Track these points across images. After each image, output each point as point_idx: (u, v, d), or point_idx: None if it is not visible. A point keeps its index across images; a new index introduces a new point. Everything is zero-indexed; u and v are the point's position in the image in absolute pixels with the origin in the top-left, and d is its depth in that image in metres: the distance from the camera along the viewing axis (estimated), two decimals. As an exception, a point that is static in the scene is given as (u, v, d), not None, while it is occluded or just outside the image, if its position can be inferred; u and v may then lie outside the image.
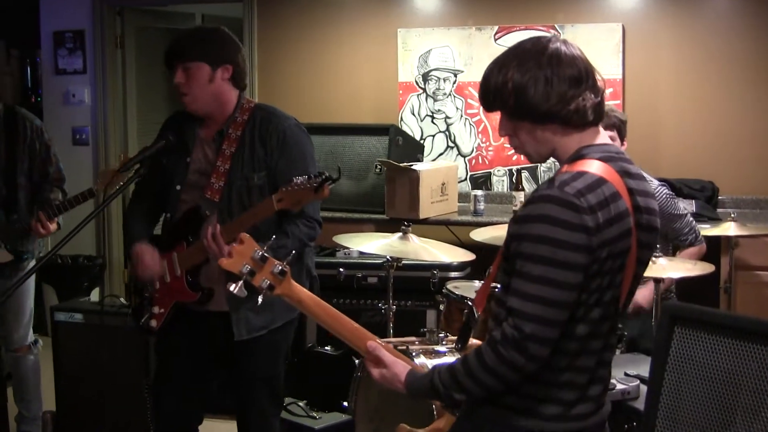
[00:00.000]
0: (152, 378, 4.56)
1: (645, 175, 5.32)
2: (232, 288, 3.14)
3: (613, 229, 2.67)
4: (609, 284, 2.72)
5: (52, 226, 5.64)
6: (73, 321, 6.38)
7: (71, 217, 8.36)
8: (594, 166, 2.72)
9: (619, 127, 5.42)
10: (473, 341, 3.03)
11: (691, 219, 5.61)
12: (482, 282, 3.15)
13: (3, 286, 5.75)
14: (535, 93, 2.75)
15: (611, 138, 5.35)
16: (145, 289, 4.48)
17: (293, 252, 4.28)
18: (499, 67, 2.84)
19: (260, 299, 3.18)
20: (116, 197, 4.53)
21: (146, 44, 9.29)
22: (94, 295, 8.61)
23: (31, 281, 6.18)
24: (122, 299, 6.58)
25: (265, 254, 3.12)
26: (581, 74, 2.77)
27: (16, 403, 6.13)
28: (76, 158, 9.18)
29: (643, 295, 5.39)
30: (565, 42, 2.84)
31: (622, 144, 5.45)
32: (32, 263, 5.92)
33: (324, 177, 3.88)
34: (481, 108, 2.96)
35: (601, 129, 2.88)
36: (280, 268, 3.12)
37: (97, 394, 6.15)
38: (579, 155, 2.78)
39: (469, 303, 5.22)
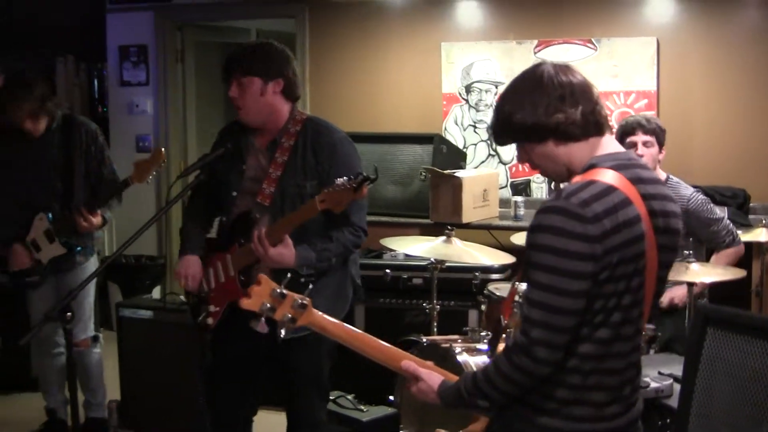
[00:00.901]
0: (208, 371, 4.55)
1: (679, 181, 5.30)
2: (254, 326, 3.15)
3: (621, 236, 2.63)
4: (625, 289, 2.68)
5: (96, 220, 5.65)
6: (137, 317, 6.44)
7: (134, 218, 8.40)
8: (604, 175, 2.71)
9: (658, 134, 5.41)
10: (502, 346, 2.99)
11: (728, 222, 5.55)
12: (510, 288, 3.13)
13: (62, 280, 5.83)
14: (522, 114, 2.80)
15: (647, 143, 5.36)
16: (201, 289, 4.49)
17: (336, 256, 4.30)
18: (497, 104, 2.93)
19: (282, 332, 3.18)
20: (177, 202, 4.51)
21: (204, 58, 9.32)
22: (156, 293, 8.66)
23: (93, 280, 6.07)
24: (182, 297, 6.59)
25: (284, 291, 3.11)
26: (564, 92, 2.77)
27: (83, 391, 6.14)
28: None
29: (679, 294, 5.35)
30: (555, 66, 2.86)
31: (660, 151, 5.41)
32: (91, 259, 5.97)
33: (362, 177, 3.88)
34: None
35: (610, 137, 2.87)
36: (300, 301, 3.11)
37: (158, 384, 6.21)
38: (590, 165, 2.78)
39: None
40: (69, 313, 3.80)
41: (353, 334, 3.16)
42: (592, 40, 7.33)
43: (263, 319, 3.15)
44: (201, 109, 9.32)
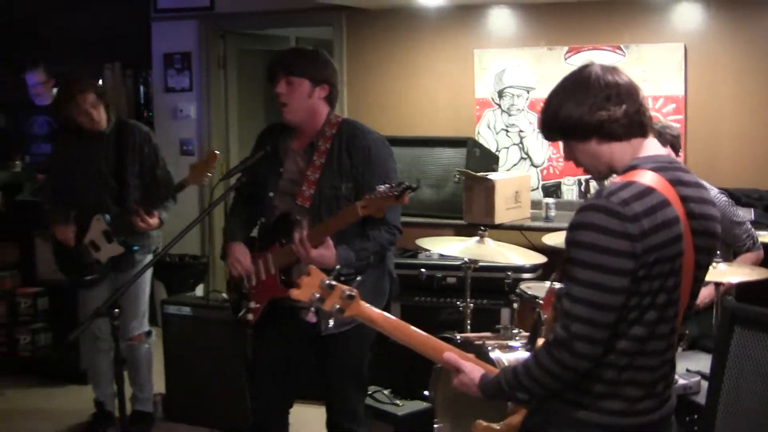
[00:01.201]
0: (249, 366, 4.58)
1: (704, 183, 5.27)
2: (303, 316, 3.17)
3: (659, 236, 2.64)
4: (660, 288, 2.69)
5: (153, 221, 5.78)
6: (181, 313, 6.52)
7: (178, 219, 8.45)
8: (644, 176, 2.71)
9: (672, 143, 5.40)
10: (541, 340, 2.99)
11: (749, 226, 5.53)
12: (550, 284, 3.13)
13: (119, 279, 5.90)
14: (567, 111, 2.81)
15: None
16: (242, 286, 4.51)
17: (373, 254, 4.32)
18: (546, 100, 2.93)
19: (331, 322, 3.25)
20: (219, 203, 4.54)
21: (246, 65, 9.36)
22: (199, 291, 8.70)
23: (147, 277, 6.28)
24: (224, 294, 6.63)
25: (332, 282, 3.13)
26: (610, 93, 2.78)
27: (131, 385, 6.20)
28: (183, 167, 9.22)
29: (703, 294, 5.32)
30: (603, 67, 2.86)
31: (677, 156, 5.40)
32: (148, 257, 6.00)
33: (405, 186, 3.89)
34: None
35: (653, 140, 2.87)
36: (348, 293, 3.13)
37: (202, 378, 6.28)
38: (631, 166, 2.78)
39: (540, 303, 5.19)
40: (117, 310, 3.81)
41: (397, 325, 3.17)
42: (621, 46, 7.31)
43: (312, 309, 3.17)
44: (242, 113, 9.35)
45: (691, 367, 4.37)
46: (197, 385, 6.32)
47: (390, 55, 8.23)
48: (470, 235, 5.67)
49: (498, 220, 6.80)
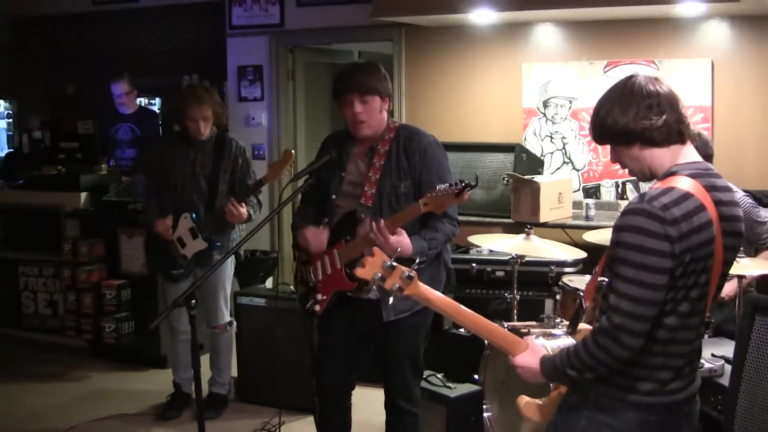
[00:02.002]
0: (315, 352, 4.65)
1: (731, 185, 5.30)
2: (365, 293, 3.19)
3: (695, 238, 2.69)
4: (694, 283, 2.75)
5: (243, 211, 5.84)
6: (252, 304, 6.59)
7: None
8: (682, 182, 2.75)
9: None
10: (582, 326, 3.06)
11: None
12: (591, 277, 3.19)
13: (202, 273, 5.87)
14: (613, 118, 2.85)
15: None
16: (310, 279, 4.55)
17: (442, 244, 4.37)
18: (595, 108, 2.96)
19: (391, 300, 3.24)
20: (288, 204, 4.61)
21: (313, 76, 9.40)
22: (269, 283, 8.77)
23: (229, 269, 6.45)
24: (291, 287, 6.72)
25: (393, 263, 3.16)
26: (652, 102, 2.82)
27: (211, 369, 6.36)
28: (255, 169, 9.35)
29: (727, 289, 5.35)
30: (648, 78, 2.90)
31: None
32: (226, 262, 6.19)
33: (465, 184, 3.92)
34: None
35: (690, 147, 2.90)
36: (407, 273, 3.15)
37: (271, 364, 6.34)
38: (671, 172, 2.83)
39: (580, 294, 5.23)
40: (194, 301, 3.85)
41: (452, 305, 3.20)
42: (655, 60, 7.33)
43: (374, 287, 3.19)
44: (309, 121, 9.40)
45: (716, 353, 4.39)
46: (266, 370, 6.40)
47: (445, 68, 8.29)
48: (517, 232, 5.72)
49: (543, 219, 6.84)
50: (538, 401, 3.12)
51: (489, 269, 6.46)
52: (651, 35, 7.37)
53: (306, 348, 4.76)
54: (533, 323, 5.19)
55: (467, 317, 3.18)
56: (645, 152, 2.86)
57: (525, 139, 7.89)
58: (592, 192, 7.67)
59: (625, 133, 2.85)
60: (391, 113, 4.52)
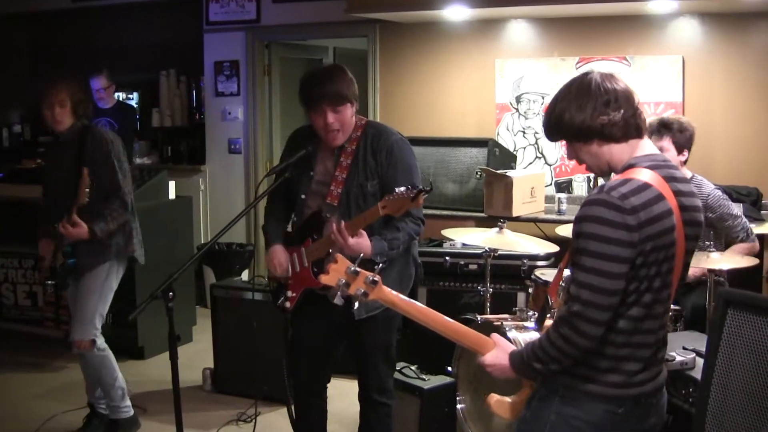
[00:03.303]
0: (289, 346, 4.60)
1: (702, 179, 5.28)
2: (331, 299, 3.18)
3: (655, 227, 2.67)
4: (656, 273, 2.72)
5: (76, 231, 5.14)
6: (228, 296, 6.52)
7: (226, 211, 8.50)
8: (641, 174, 2.74)
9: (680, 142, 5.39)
10: (549, 321, 3.03)
11: (744, 220, 5.50)
12: (557, 273, 3.16)
13: (77, 285, 5.43)
14: (570, 115, 2.82)
15: (662, 149, 5.30)
16: (281, 277, 4.52)
17: (403, 244, 4.32)
18: (549, 106, 2.95)
19: (356, 305, 3.21)
20: (264, 197, 4.52)
21: (288, 72, 9.38)
22: (244, 276, 8.73)
23: (106, 277, 5.49)
24: (267, 279, 6.68)
25: (357, 269, 3.12)
26: (609, 98, 2.80)
27: (102, 395, 5.69)
28: (231, 163, 9.35)
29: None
30: (603, 75, 2.89)
31: (680, 154, 5.37)
32: (100, 267, 5.42)
33: (418, 190, 3.89)
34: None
35: (648, 141, 2.89)
36: (371, 278, 3.11)
37: (247, 355, 6.29)
38: (629, 165, 2.81)
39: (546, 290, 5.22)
40: (171, 293, 3.77)
41: (420, 309, 3.16)
42: (626, 57, 7.32)
43: (339, 293, 3.17)
44: (285, 116, 9.39)
45: (687, 345, 4.37)
46: (243, 361, 6.35)
47: (419, 63, 8.26)
48: (490, 226, 5.68)
49: (515, 213, 6.82)
50: (508, 399, 3.08)
51: (462, 262, 6.42)
52: (623, 32, 7.37)
53: (280, 340, 4.71)
54: (506, 316, 5.17)
55: (434, 319, 3.14)
56: (604, 148, 2.84)
57: (498, 134, 7.87)
58: (564, 186, 7.65)
59: (584, 130, 2.82)
60: (364, 109, 4.43)
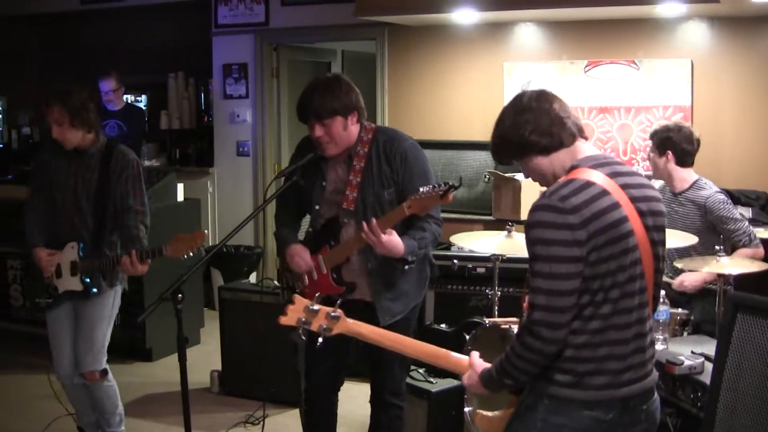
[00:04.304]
0: (305, 351, 4.58)
1: (706, 182, 5.31)
2: (293, 338, 3.20)
3: (601, 221, 2.69)
4: (618, 267, 2.73)
5: (142, 268, 4.89)
6: (236, 298, 6.52)
7: (234, 214, 8.52)
8: (583, 173, 2.78)
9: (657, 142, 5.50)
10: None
11: (746, 224, 5.47)
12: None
13: (78, 308, 5.11)
14: (506, 137, 2.94)
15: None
16: (296, 285, 4.48)
17: (429, 243, 4.31)
18: (492, 133, 3.05)
19: (320, 340, 3.22)
20: (272, 200, 4.49)
21: (296, 74, 9.39)
22: (252, 278, 8.73)
23: (112, 305, 5.21)
24: (275, 282, 6.68)
25: (315, 306, 3.15)
26: (538, 114, 2.89)
27: (100, 422, 5.36)
28: (239, 166, 9.34)
29: (691, 279, 5.33)
30: (530, 95, 2.98)
31: (661, 157, 5.46)
32: (110, 291, 5.15)
33: (449, 186, 3.89)
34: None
35: (587, 143, 2.94)
36: (332, 314, 3.16)
37: (255, 357, 6.29)
38: (572, 167, 2.85)
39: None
40: (180, 295, 3.76)
41: (391, 337, 3.23)
42: (635, 60, 7.30)
43: (301, 330, 3.19)
44: (293, 118, 9.35)
45: (696, 350, 4.36)
46: (251, 363, 6.34)
47: (428, 67, 8.26)
48: (498, 230, 5.68)
49: (524, 216, 6.78)
50: (489, 414, 3.11)
51: (470, 266, 6.42)
52: (631, 35, 7.36)
53: (291, 346, 4.69)
54: (513, 319, 5.16)
55: (408, 346, 3.21)
56: (544, 160, 2.91)
57: (506, 137, 7.82)
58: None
59: (521, 147, 2.91)
60: (362, 120, 4.36)
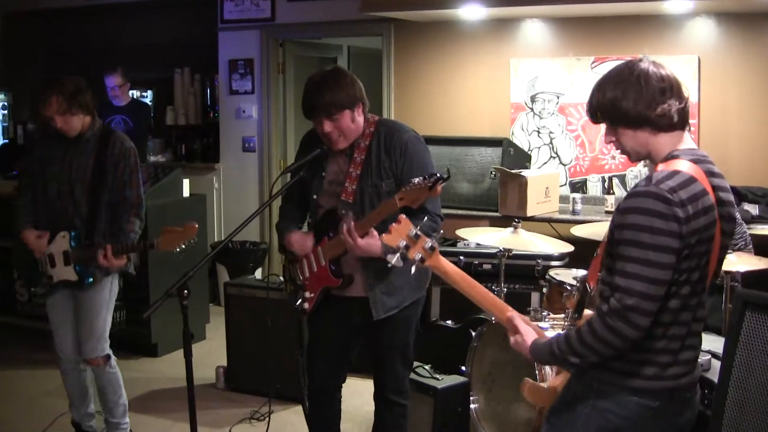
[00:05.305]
0: (305, 347, 4.56)
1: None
2: (390, 259, 3.14)
3: (701, 220, 2.69)
4: (696, 266, 2.74)
5: (118, 262, 4.91)
6: (242, 294, 6.52)
7: (240, 210, 8.51)
8: (685, 166, 2.75)
9: None
10: (587, 312, 3.04)
11: (745, 228, 5.46)
12: (594, 259, 3.13)
13: (77, 296, 5.11)
14: (627, 103, 2.79)
15: None
16: (297, 277, 4.47)
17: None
18: (599, 87, 2.90)
19: (413, 269, 3.17)
20: (278, 196, 4.48)
21: (303, 70, 9.36)
22: (258, 274, 8.72)
23: (110, 290, 5.20)
24: (281, 277, 6.66)
25: (419, 232, 3.12)
26: (665, 86, 2.79)
27: (102, 410, 5.41)
28: (245, 161, 9.33)
29: None
30: (653, 63, 2.85)
31: None
32: (107, 278, 5.13)
33: (437, 177, 3.85)
34: (586, 121, 2.98)
35: (689, 134, 2.89)
36: (430, 244, 3.11)
37: (260, 352, 6.26)
38: (672, 156, 2.81)
39: (568, 286, 5.19)
40: (186, 291, 3.74)
41: (470, 282, 3.18)
42: (641, 57, 7.27)
43: (398, 255, 3.15)
44: (299, 114, 9.27)
45: (702, 347, 4.34)
46: (256, 359, 6.33)
47: (434, 62, 8.24)
48: (504, 226, 5.67)
49: (530, 212, 6.80)
50: (543, 385, 3.12)
51: (476, 262, 6.42)
52: (638, 31, 7.33)
53: (296, 342, 4.67)
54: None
55: (481, 293, 3.17)
56: (652, 137, 2.83)
57: (512, 133, 7.83)
58: (578, 186, 7.61)
59: (637, 118, 2.80)
60: (366, 112, 4.35)
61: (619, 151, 2.94)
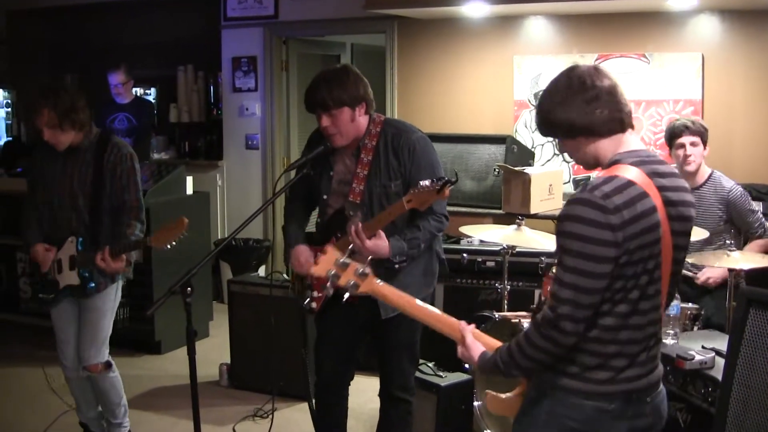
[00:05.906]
0: (313, 345, 4.56)
1: (721, 175, 5.31)
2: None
3: (639, 224, 2.66)
4: (642, 270, 2.71)
5: (116, 265, 4.87)
6: (245, 291, 6.52)
7: (243, 207, 8.50)
8: (625, 171, 2.73)
9: (702, 134, 5.46)
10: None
11: (761, 216, 5.50)
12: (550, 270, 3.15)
13: (82, 303, 5.12)
14: (557, 114, 2.82)
15: (694, 143, 5.41)
16: (306, 277, 4.48)
17: (424, 242, 4.28)
18: (538, 102, 2.94)
19: (346, 296, 3.17)
20: (281, 194, 4.48)
21: (306, 67, 9.37)
22: (261, 271, 8.73)
23: (114, 297, 5.20)
24: (284, 275, 6.67)
25: (346, 260, 3.12)
26: (593, 94, 2.79)
27: (104, 413, 5.42)
28: (248, 159, 9.34)
29: (715, 275, 5.41)
30: (590, 69, 2.86)
31: (705, 148, 5.45)
32: (113, 285, 5.14)
33: (445, 180, 3.86)
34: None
35: (632, 135, 2.88)
36: (361, 270, 3.11)
37: (264, 350, 6.26)
38: (614, 161, 2.81)
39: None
40: (189, 288, 3.74)
41: (413, 303, 3.16)
42: (645, 54, 7.27)
43: (329, 284, 3.16)
44: (302, 112, 9.28)
45: (706, 345, 4.34)
46: (260, 356, 6.33)
47: (437, 60, 8.24)
48: (508, 223, 5.66)
49: (533, 210, 6.78)
50: (501, 396, 3.08)
51: (480, 259, 6.40)
52: (642, 29, 7.32)
53: (300, 339, 4.67)
54: (523, 313, 5.16)
55: (426, 313, 3.16)
56: (589, 144, 2.84)
57: (516, 130, 7.83)
58: (582, 184, 7.59)
59: (569, 127, 2.82)
60: (371, 111, 4.35)
61: (575, 161, 2.96)
